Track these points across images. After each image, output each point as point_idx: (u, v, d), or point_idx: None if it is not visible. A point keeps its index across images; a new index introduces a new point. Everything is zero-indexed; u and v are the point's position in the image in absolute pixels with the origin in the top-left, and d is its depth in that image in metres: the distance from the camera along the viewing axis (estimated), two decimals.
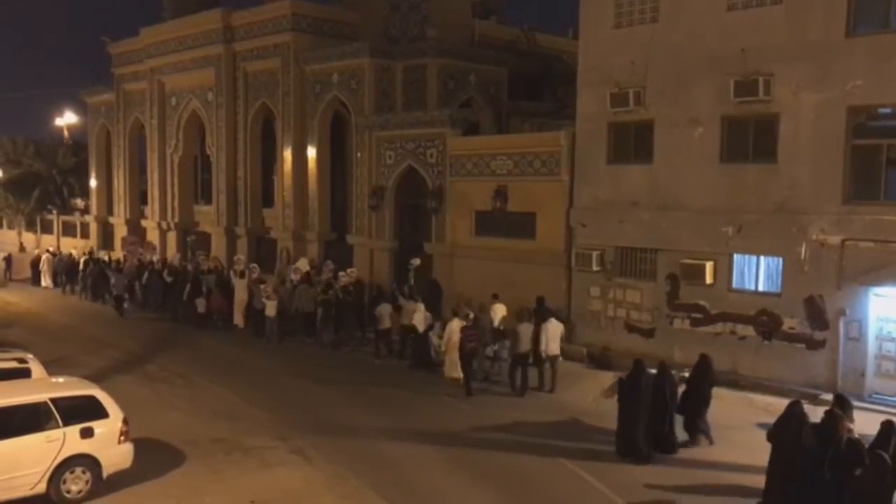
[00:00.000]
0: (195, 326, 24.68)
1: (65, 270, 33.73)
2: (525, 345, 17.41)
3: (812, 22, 16.50)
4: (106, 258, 33.76)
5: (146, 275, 28.89)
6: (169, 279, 27.41)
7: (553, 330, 17.68)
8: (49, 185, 44.58)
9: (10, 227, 49.33)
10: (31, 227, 47.77)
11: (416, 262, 23.02)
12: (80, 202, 45.78)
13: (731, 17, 17.64)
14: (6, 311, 27.38)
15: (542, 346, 17.40)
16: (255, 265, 26.78)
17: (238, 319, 24.40)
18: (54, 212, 45.78)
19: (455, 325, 17.86)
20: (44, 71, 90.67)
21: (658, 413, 13.46)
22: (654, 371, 13.90)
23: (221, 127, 31.47)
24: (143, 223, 37.38)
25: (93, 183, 41.49)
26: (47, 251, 36.97)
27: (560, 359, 17.84)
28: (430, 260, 23.92)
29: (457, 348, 17.59)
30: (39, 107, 64.85)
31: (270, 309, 22.73)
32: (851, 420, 11.06)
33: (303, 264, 26.34)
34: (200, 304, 24.70)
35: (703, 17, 18.06)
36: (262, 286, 23.71)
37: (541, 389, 17.50)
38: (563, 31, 31.58)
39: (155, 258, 32.04)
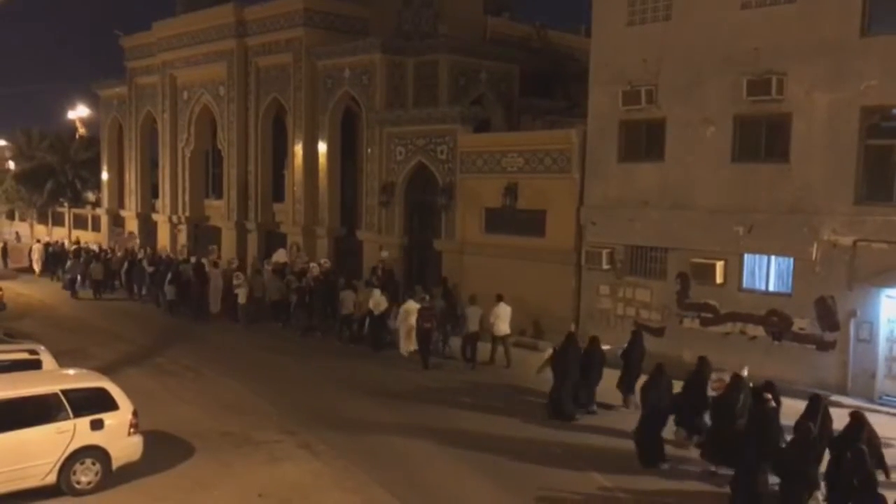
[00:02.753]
0: (168, 312, 26.36)
1: (52, 258, 35.04)
2: (473, 325, 19.41)
3: (826, 21, 16.41)
4: (96, 248, 35.27)
5: (126, 264, 30.38)
6: (150, 269, 28.68)
7: (502, 311, 19.34)
8: (61, 178, 44.77)
9: (23, 219, 49.65)
10: (42, 219, 48.08)
11: (385, 254, 25.26)
12: (91, 195, 46.08)
13: (745, 15, 17.56)
14: (17, 302, 27.55)
15: (492, 326, 19.39)
16: (234, 258, 28.95)
17: (215, 306, 25.49)
18: (66, 205, 46.04)
19: (410, 308, 19.82)
20: (58, 64, 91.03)
21: (586, 379, 15.52)
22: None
23: (233, 121, 31.56)
24: (154, 217, 37.60)
25: (104, 176, 41.73)
26: (37, 241, 38.83)
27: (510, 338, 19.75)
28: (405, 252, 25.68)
29: (412, 328, 19.55)
30: (54, 100, 65.18)
31: (241, 296, 24.24)
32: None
33: (280, 256, 27.82)
34: (170, 291, 26.26)
35: (717, 15, 17.98)
36: (234, 274, 25.21)
37: (491, 363, 19.41)
38: (575, 28, 31.50)
39: (137, 247, 34.36)
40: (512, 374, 18.66)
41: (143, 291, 28.76)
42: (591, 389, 15.70)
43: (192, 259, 28.70)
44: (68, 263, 31.22)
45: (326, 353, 21.07)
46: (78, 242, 37.47)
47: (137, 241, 36.60)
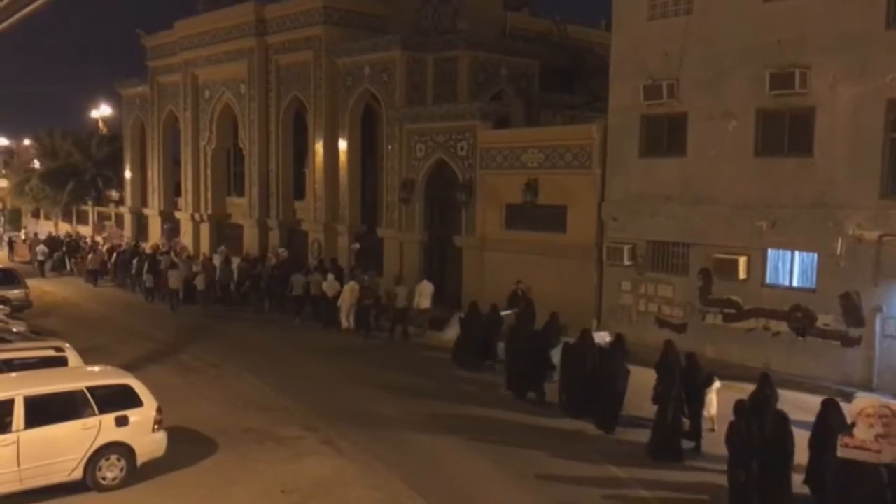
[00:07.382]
0: (144, 297, 28.99)
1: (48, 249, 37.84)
2: (401, 301, 21.95)
3: (850, 13, 16.20)
4: (88, 240, 39.09)
5: (115, 255, 33.95)
6: (134, 260, 31.65)
7: (424, 288, 22.15)
8: (85, 177, 45.24)
9: (48, 217, 50.24)
10: (67, 217, 48.64)
11: (357, 245, 27.51)
12: (114, 194, 46.57)
13: (768, 8, 17.38)
14: (42, 300, 27.89)
15: (415, 301, 22.02)
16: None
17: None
18: (89, 203, 46.52)
19: (349, 289, 22.63)
20: (81, 64, 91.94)
21: (489, 338, 18.59)
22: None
23: (254, 119, 31.73)
24: (177, 214, 37.93)
25: (127, 174, 42.16)
26: (35, 234, 42.02)
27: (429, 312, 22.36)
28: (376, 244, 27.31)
29: (351, 306, 22.43)
30: (78, 100, 65.88)
31: (200, 283, 26.93)
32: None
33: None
34: (149, 280, 28.86)
35: (739, 8, 17.83)
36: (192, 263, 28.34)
37: (419, 334, 22.03)
38: (595, 22, 31.35)
39: (123, 241, 38.06)
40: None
41: (130, 280, 31.47)
42: (493, 346, 18.56)
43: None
44: (38, 248, 36.05)
45: (296, 330, 23.58)
46: (70, 235, 41.15)
47: (123, 234, 40.49)
